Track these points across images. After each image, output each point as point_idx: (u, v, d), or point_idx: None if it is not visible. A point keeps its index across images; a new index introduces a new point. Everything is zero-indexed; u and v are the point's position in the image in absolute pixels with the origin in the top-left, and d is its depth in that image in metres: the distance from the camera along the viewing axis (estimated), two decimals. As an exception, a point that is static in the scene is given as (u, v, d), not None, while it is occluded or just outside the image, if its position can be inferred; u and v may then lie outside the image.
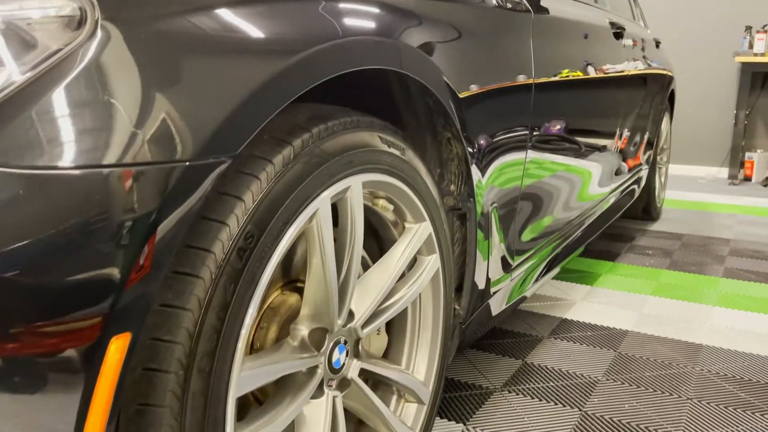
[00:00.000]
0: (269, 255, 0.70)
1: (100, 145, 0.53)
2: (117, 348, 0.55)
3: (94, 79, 0.54)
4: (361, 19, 0.84)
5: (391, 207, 0.96)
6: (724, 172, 5.24)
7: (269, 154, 0.71)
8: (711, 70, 5.23)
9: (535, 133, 1.39)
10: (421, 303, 1.07)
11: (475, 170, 1.12)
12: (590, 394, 1.48)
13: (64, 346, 0.52)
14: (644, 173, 3.02)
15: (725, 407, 1.44)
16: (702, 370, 1.63)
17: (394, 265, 0.96)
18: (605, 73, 1.98)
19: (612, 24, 2.14)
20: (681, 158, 5.43)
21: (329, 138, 0.79)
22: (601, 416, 1.39)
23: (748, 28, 4.90)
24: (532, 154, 1.40)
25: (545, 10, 1.49)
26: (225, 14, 0.65)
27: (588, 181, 1.94)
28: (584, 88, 1.78)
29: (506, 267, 1.40)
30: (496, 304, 1.38)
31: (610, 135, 2.14)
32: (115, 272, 0.54)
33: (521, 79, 1.30)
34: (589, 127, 1.87)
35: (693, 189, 4.65)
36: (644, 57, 2.66)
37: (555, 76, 1.48)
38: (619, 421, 1.37)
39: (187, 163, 0.58)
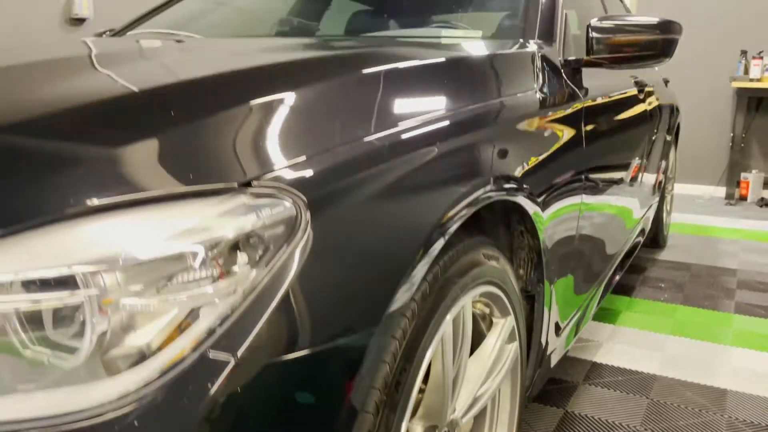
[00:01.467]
0: (414, 380, 0.80)
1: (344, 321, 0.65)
2: None
3: (315, 271, 0.64)
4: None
5: (487, 309, 1.08)
6: (720, 191, 5.41)
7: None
8: (708, 91, 5.39)
9: (584, 212, 1.51)
10: (500, 386, 1.18)
11: (545, 258, 1.24)
12: (633, 446, 1.61)
13: None
14: (656, 205, 3.17)
15: (757, 457, 1.57)
16: (730, 417, 1.76)
17: (487, 357, 1.07)
18: (630, 127, 2.11)
19: (636, 83, 2.27)
20: (679, 176, 5.59)
21: (452, 265, 0.90)
22: (647, 469, 1.51)
23: (744, 53, 5.06)
24: (582, 225, 1.52)
25: (587, 92, 1.62)
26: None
27: (619, 231, 2.07)
28: (616, 145, 1.91)
29: (558, 330, 1.52)
30: (553, 360, 1.50)
31: (633, 178, 2.28)
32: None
33: (576, 167, 1.42)
34: (621, 181, 1.99)
35: (692, 210, 4.81)
36: (657, 98, 2.80)
37: (602, 159, 1.60)
38: (663, 473, 1.49)
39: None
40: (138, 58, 1.05)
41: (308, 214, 0.65)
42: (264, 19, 2.16)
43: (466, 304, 0.94)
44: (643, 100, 2.37)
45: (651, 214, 3.05)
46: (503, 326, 1.10)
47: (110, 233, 0.57)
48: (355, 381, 0.68)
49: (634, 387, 1.93)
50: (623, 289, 2.87)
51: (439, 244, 0.83)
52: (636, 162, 2.21)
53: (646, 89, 2.47)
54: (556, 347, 1.52)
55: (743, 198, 5.25)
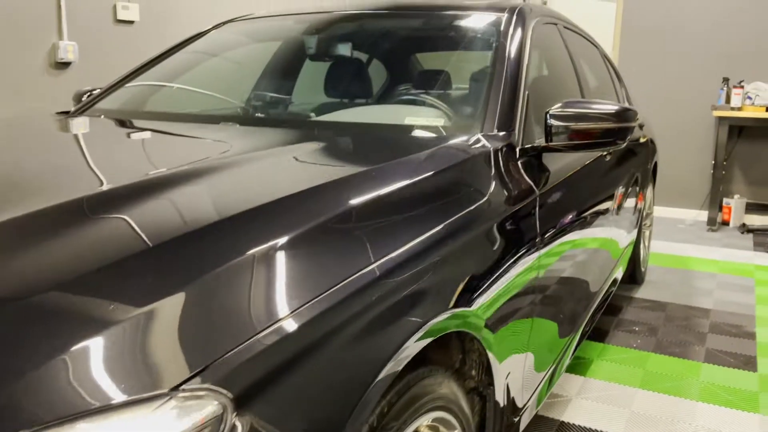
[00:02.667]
0: None
1: None
2: None
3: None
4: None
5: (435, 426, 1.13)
6: (704, 215, 5.48)
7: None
8: (692, 118, 5.46)
9: (537, 306, 1.57)
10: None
11: (493, 361, 1.29)
12: None
13: None
14: (630, 248, 3.23)
15: None
16: (688, 485, 1.82)
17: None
18: (595, 190, 2.17)
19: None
20: (664, 200, 5.66)
21: (398, 400, 0.96)
22: None
23: (726, 80, 5.13)
24: (538, 310, 1.57)
25: (545, 177, 1.67)
26: None
27: (581, 296, 2.13)
28: (576, 223, 1.96)
29: (515, 412, 1.57)
30: (522, 423, 1.57)
31: (599, 240, 2.33)
32: None
33: (530, 260, 1.48)
34: (581, 252, 2.05)
35: (674, 236, 4.87)
36: (628, 148, 2.86)
37: (558, 241, 1.66)
38: None
39: None
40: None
41: (233, 412, 0.71)
42: (231, 90, 2.21)
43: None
44: (610, 157, 2.43)
45: (624, 261, 3.11)
46: (449, 439, 1.16)
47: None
48: None
49: (597, 451, 1.99)
50: (597, 333, 2.93)
51: (383, 385, 0.89)
52: (601, 222, 2.26)
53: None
54: (518, 421, 1.57)
55: (725, 223, 5.32)
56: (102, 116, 1.96)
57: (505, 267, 1.33)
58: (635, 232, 3.20)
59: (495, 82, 1.75)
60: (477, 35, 2.09)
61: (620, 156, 2.62)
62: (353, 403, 0.85)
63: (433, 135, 1.58)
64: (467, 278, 1.18)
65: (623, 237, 2.80)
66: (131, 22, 3.67)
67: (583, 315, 2.21)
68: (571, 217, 1.81)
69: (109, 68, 3.57)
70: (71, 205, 0.99)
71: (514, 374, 1.46)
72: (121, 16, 3.58)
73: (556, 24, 2.48)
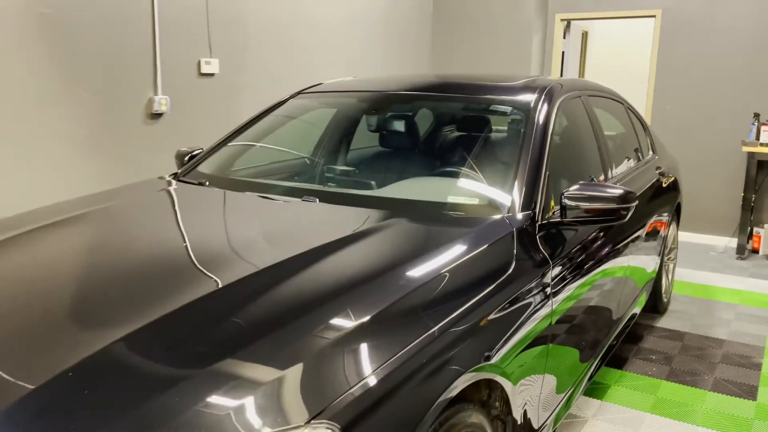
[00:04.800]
0: None
1: None
2: None
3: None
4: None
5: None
6: (734, 242, 5.75)
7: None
8: (723, 151, 5.74)
9: (551, 351, 2.00)
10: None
11: (511, 397, 1.74)
12: None
13: None
14: (653, 279, 3.60)
15: None
16: (677, 497, 2.22)
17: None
18: (609, 246, 2.58)
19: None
20: (697, 227, 5.95)
21: (448, 420, 1.42)
22: None
23: (757, 115, 5.40)
24: (550, 354, 2.00)
25: (560, 247, 2.10)
26: None
27: (592, 336, 2.54)
28: (586, 289, 2.38)
29: (532, 431, 2.00)
30: None
31: (610, 290, 2.73)
32: None
33: (542, 323, 1.91)
34: (593, 305, 2.46)
35: (703, 264, 5.18)
36: (647, 197, 3.24)
37: (569, 304, 2.09)
38: None
39: None
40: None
41: (343, 435, 1.18)
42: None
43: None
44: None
45: (642, 297, 3.49)
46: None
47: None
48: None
49: (605, 465, 2.40)
50: (616, 361, 3.32)
51: (435, 412, 1.35)
52: (615, 270, 2.66)
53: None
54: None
55: (755, 251, 5.58)
56: (207, 183, 2.47)
57: (518, 325, 1.77)
58: (655, 267, 3.57)
59: (521, 166, 2.19)
60: (510, 116, 2.53)
61: (638, 206, 3.01)
62: (417, 423, 1.31)
63: (471, 213, 2.03)
64: (493, 337, 1.63)
65: (641, 274, 3.18)
66: (212, 74, 4.22)
67: (595, 354, 2.60)
68: (582, 275, 2.23)
69: (196, 116, 4.13)
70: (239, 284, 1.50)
71: (529, 406, 1.90)
72: (204, 70, 4.14)
73: (580, 96, 2.89)
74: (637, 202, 2.13)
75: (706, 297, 4.40)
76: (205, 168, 2.69)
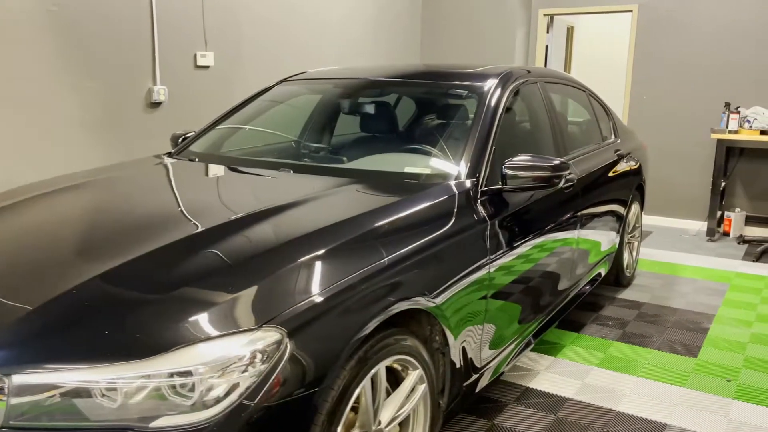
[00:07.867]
0: (344, 409, 1.62)
1: (308, 381, 1.48)
2: None
3: (293, 360, 1.47)
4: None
5: (400, 367, 1.89)
6: (706, 225, 6.03)
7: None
8: (696, 138, 6.03)
9: (490, 299, 2.31)
10: (416, 408, 1.99)
11: (448, 333, 2.04)
12: (529, 448, 2.39)
13: None
14: (613, 254, 3.90)
15: (611, 459, 2.33)
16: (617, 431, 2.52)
17: (403, 392, 1.89)
18: (549, 218, 2.88)
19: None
20: (671, 212, 6.24)
21: (372, 348, 1.72)
22: (532, 463, 2.29)
23: (727, 105, 5.68)
24: (489, 306, 2.31)
25: (498, 210, 2.42)
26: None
27: (556, 279, 2.84)
28: (537, 225, 2.68)
29: (475, 369, 2.31)
30: (479, 385, 2.30)
31: (556, 255, 3.03)
32: None
33: (480, 274, 2.22)
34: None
35: (674, 245, 5.47)
36: (596, 179, 3.54)
37: (508, 260, 2.39)
38: (542, 467, 2.27)
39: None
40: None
41: (287, 339, 1.49)
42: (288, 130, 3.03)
43: (381, 368, 1.76)
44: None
45: (608, 261, 3.79)
46: (414, 375, 1.92)
47: (207, 350, 1.42)
48: (313, 407, 1.51)
49: (549, 407, 2.70)
50: (574, 326, 3.62)
51: (372, 327, 1.65)
52: (560, 243, 2.96)
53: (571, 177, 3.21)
54: (478, 378, 2.31)
55: (726, 234, 5.87)
56: (196, 160, 2.79)
57: (459, 273, 2.08)
58: (615, 243, 3.87)
59: (470, 142, 2.50)
60: (466, 99, 2.84)
61: (588, 187, 3.31)
62: (354, 336, 1.61)
63: (424, 180, 2.34)
64: (432, 277, 1.94)
65: (595, 247, 3.48)
66: (207, 67, 4.55)
67: (538, 313, 2.89)
68: (524, 239, 2.53)
69: (192, 105, 4.46)
70: (214, 228, 1.81)
71: (468, 345, 2.20)
72: (200, 62, 4.46)
73: (536, 82, 3.20)
74: (569, 171, 2.44)
75: (670, 273, 4.69)
76: (195, 147, 3.01)
